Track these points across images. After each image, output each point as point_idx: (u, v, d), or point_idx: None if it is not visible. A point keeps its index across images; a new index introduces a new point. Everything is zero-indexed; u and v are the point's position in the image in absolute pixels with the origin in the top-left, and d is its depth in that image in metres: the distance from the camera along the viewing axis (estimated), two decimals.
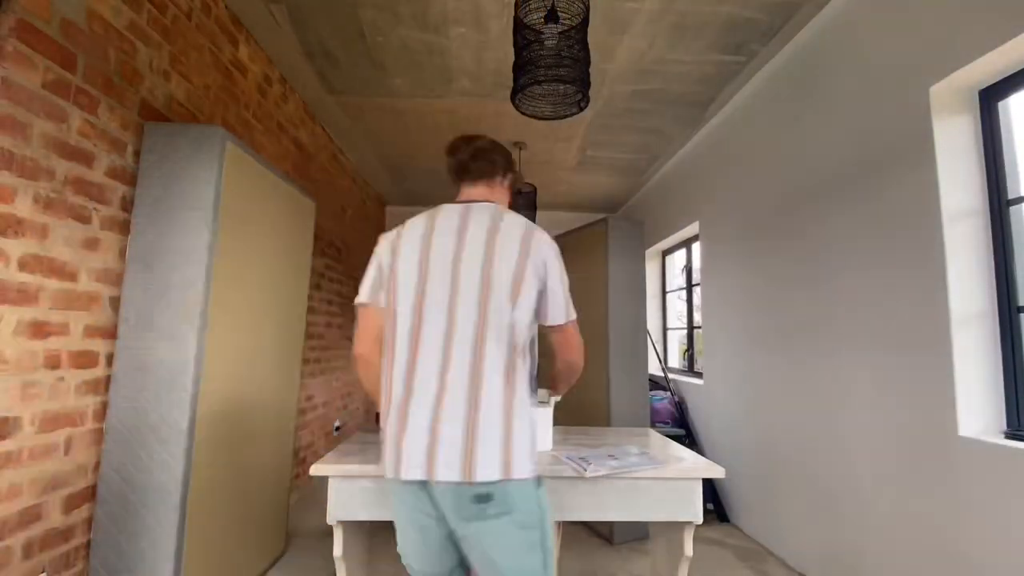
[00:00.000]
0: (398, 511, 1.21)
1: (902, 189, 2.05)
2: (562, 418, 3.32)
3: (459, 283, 1.18)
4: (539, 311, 1.24)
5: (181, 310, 1.86)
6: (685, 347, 4.85)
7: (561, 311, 1.25)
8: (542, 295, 1.23)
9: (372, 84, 3.42)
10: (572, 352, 1.34)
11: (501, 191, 1.40)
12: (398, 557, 2.65)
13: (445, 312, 1.17)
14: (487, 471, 1.09)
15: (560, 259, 1.26)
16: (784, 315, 2.83)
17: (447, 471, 1.09)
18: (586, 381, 3.30)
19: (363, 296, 1.30)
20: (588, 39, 2.01)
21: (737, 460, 3.27)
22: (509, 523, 1.11)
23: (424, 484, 1.14)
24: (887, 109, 2.13)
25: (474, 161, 1.34)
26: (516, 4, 1.94)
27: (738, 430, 3.30)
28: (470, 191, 1.35)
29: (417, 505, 1.17)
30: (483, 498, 1.10)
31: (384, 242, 1.31)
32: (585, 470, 1.52)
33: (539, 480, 1.19)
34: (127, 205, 1.92)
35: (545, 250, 1.23)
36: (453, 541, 1.20)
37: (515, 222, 1.25)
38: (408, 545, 1.22)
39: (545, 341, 1.35)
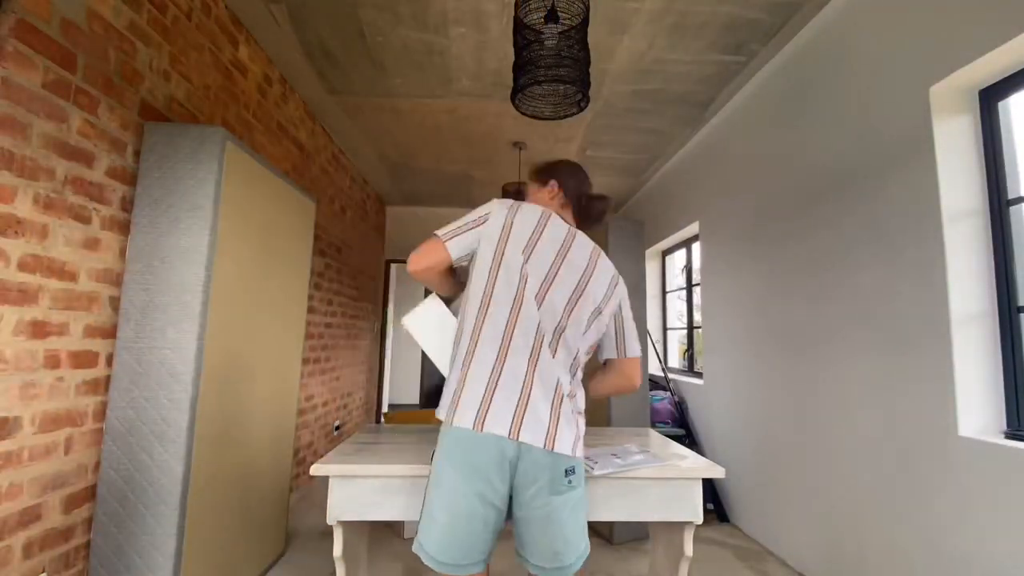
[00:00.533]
0: (456, 499, 1.22)
1: (902, 189, 2.05)
2: None
3: (553, 294, 1.33)
4: (610, 346, 1.50)
5: (181, 310, 1.86)
6: (685, 347, 4.84)
7: (634, 346, 1.51)
8: (616, 331, 1.48)
9: (372, 84, 3.42)
10: (637, 379, 1.54)
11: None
12: (398, 556, 2.65)
13: (535, 310, 1.30)
14: (564, 446, 1.25)
15: (629, 304, 1.50)
16: (784, 315, 2.83)
17: (532, 438, 1.22)
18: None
19: (447, 236, 1.36)
20: (588, 39, 2.01)
21: (737, 460, 3.27)
22: (581, 493, 1.30)
23: (503, 458, 1.22)
24: (887, 109, 2.13)
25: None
26: (516, 4, 1.94)
27: (738, 430, 3.30)
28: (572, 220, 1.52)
29: (485, 494, 1.22)
30: (570, 471, 1.26)
31: (499, 209, 1.38)
32: (592, 469, 1.52)
33: None
34: (127, 205, 1.92)
35: (623, 292, 1.47)
36: (498, 530, 1.28)
37: (607, 265, 1.44)
38: (454, 535, 1.22)
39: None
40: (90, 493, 1.80)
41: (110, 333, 1.86)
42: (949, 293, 1.82)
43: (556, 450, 1.22)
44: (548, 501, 1.23)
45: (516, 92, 2.04)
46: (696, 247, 4.38)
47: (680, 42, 2.84)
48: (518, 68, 2.00)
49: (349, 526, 1.58)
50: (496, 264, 1.32)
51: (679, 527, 1.66)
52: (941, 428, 1.83)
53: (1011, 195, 1.81)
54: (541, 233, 1.36)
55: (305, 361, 3.77)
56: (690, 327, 4.63)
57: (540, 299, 1.30)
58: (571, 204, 1.52)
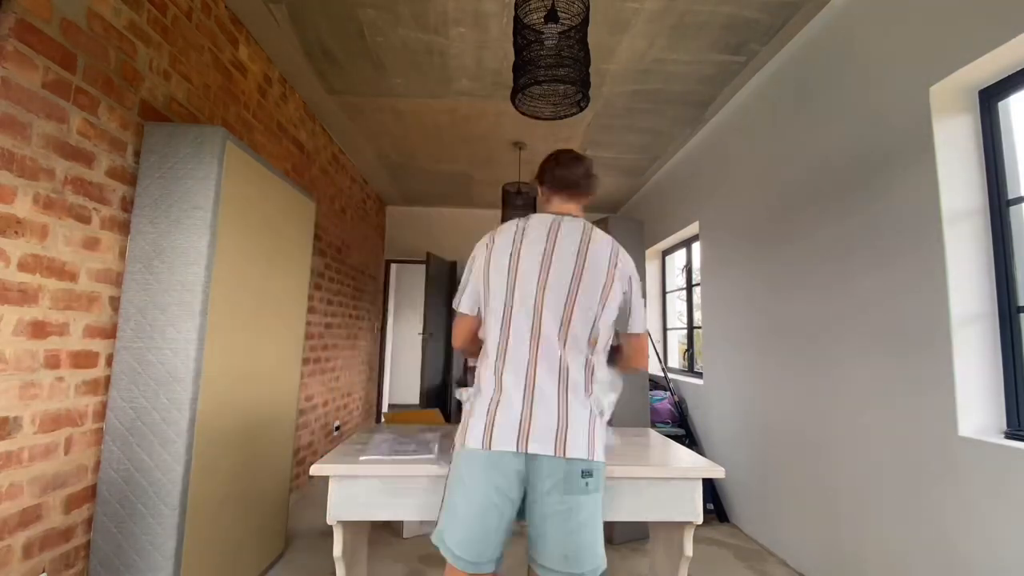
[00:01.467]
0: (471, 494, 1.28)
1: (902, 189, 2.05)
2: None
3: (547, 290, 1.35)
4: (620, 320, 1.43)
5: (181, 310, 1.86)
6: (685, 347, 4.84)
7: (640, 322, 1.47)
8: (623, 307, 1.43)
9: (372, 84, 3.42)
10: (643, 359, 1.52)
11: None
12: (398, 556, 2.66)
13: (531, 316, 1.34)
14: (577, 451, 1.27)
15: (638, 277, 1.49)
16: (784, 315, 2.83)
17: (541, 447, 1.26)
18: None
19: (457, 303, 1.48)
20: (588, 39, 2.01)
21: (737, 460, 3.27)
22: (599, 498, 1.31)
23: (515, 459, 1.28)
24: (887, 109, 2.13)
25: (586, 180, 1.51)
26: (516, 4, 1.94)
27: (738, 430, 3.30)
28: (565, 205, 1.51)
29: (500, 486, 1.27)
30: (587, 473, 1.27)
31: (479, 247, 1.48)
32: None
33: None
34: (127, 205, 1.92)
35: (630, 266, 1.45)
36: (511, 525, 1.33)
37: (604, 238, 1.43)
38: (472, 530, 1.28)
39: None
40: (90, 493, 1.80)
41: (110, 333, 1.86)
42: (949, 293, 1.82)
43: (571, 455, 1.26)
44: (562, 499, 1.24)
45: (516, 92, 2.04)
46: (696, 247, 4.38)
47: (680, 42, 2.84)
48: (518, 68, 1.99)
49: (349, 526, 1.58)
50: (487, 292, 1.40)
51: (679, 527, 1.66)
52: (941, 428, 1.83)
53: (1011, 195, 1.81)
54: (521, 243, 1.39)
55: (305, 361, 3.77)
56: (690, 327, 4.63)
57: (536, 305, 1.34)
58: (560, 190, 1.51)
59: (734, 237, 3.46)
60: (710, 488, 3.40)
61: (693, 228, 4.30)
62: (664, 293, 5.36)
